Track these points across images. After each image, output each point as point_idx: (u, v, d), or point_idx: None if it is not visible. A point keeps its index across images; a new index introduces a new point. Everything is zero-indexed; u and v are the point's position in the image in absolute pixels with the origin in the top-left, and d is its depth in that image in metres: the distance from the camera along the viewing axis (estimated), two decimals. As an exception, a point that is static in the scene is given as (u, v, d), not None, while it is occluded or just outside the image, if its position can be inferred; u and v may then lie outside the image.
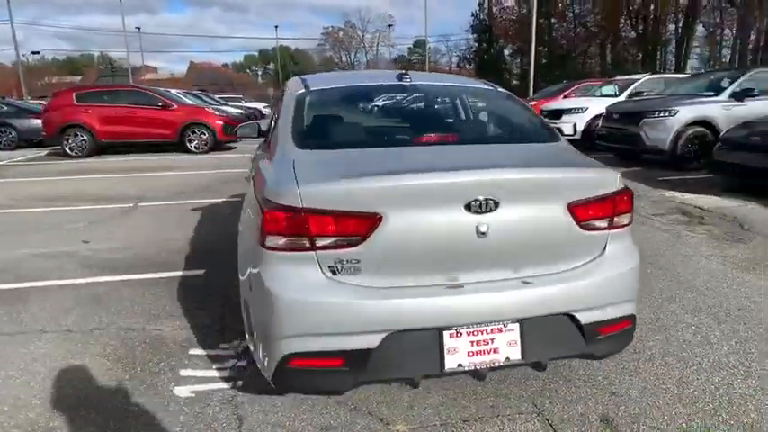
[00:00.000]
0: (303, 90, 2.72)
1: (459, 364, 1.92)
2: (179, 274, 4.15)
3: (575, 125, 11.38)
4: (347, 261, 1.86)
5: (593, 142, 9.91)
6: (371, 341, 1.85)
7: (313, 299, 1.85)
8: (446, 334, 1.90)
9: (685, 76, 12.36)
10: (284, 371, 1.92)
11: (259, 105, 28.02)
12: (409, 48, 78.47)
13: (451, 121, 2.90)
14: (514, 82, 45.82)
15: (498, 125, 2.71)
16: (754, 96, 8.10)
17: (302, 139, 2.33)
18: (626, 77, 13.45)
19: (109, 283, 3.97)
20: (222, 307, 3.47)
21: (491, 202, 1.87)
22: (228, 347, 2.94)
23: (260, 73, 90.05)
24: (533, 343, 1.96)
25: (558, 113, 11.72)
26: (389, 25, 68.34)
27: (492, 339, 1.94)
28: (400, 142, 2.39)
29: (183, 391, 2.52)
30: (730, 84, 8.42)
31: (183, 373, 2.70)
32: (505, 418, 2.27)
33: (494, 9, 47.11)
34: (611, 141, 9.40)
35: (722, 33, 36.37)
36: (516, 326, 1.95)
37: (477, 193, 1.86)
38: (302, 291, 1.86)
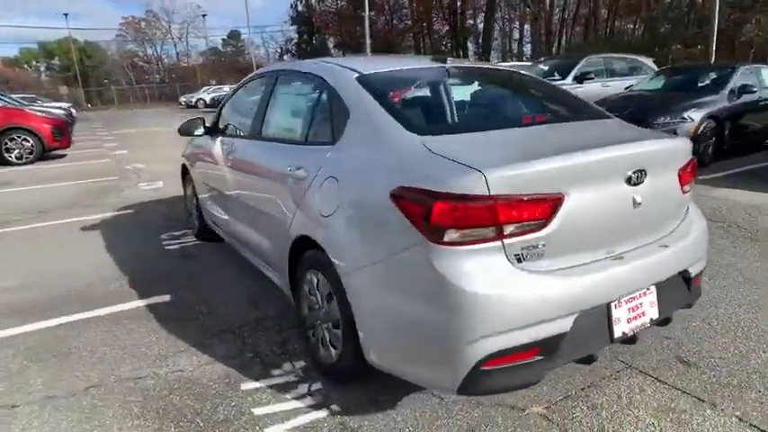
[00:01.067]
0: (359, 74, 2.44)
1: (623, 332, 1.98)
2: (138, 304, 3.43)
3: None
4: (532, 246, 1.77)
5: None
6: (565, 325, 1.80)
7: (505, 292, 1.72)
8: (612, 305, 1.94)
9: (530, 63, 13.86)
10: (475, 377, 1.75)
11: (64, 105, 23.95)
12: (223, 39, 74.66)
13: (529, 101, 2.89)
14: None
15: (561, 104, 2.78)
16: (591, 79, 9.62)
17: (413, 125, 2.11)
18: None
19: (52, 330, 3.10)
20: (232, 333, 2.98)
21: (643, 172, 1.96)
22: (283, 372, 2.56)
23: (42, 69, 76.98)
24: (664, 301, 2.11)
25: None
26: (204, 15, 63.89)
27: (641, 304, 2.04)
28: (510, 123, 2.32)
29: (279, 432, 2.13)
30: (571, 69, 9.84)
31: (259, 411, 2.27)
32: (610, 379, 2.41)
33: (312, 1, 47.35)
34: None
35: (513, 26, 42.11)
36: (654, 287, 2.08)
37: (635, 166, 1.94)
38: (493, 285, 1.72)
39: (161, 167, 8.89)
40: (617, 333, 1.96)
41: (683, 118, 6.76)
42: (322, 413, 2.24)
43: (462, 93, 2.81)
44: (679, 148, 2.22)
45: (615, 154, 1.91)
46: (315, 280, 2.41)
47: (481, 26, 40.02)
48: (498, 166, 1.73)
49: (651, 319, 2.08)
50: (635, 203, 1.96)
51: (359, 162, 2.14)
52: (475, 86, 2.92)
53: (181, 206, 5.44)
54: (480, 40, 39.41)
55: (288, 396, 2.37)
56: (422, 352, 1.87)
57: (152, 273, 3.98)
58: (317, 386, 2.43)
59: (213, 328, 3.05)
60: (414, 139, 2.01)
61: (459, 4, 37.80)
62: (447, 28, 40.64)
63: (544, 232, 1.78)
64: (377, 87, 2.35)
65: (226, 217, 3.66)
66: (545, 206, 1.76)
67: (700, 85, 7.97)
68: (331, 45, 49.15)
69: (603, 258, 1.95)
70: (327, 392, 2.37)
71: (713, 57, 13.82)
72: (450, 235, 1.71)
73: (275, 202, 2.72)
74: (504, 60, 36.61)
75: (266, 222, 2.88)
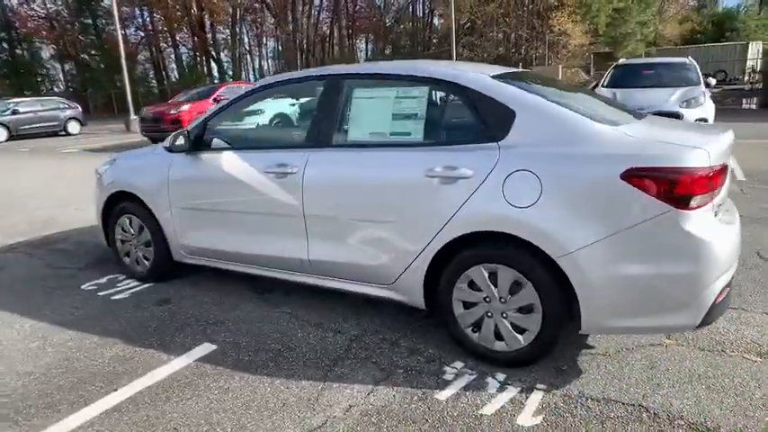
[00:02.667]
0: (496, 76, 2.61)
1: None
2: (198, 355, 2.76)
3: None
4: (717, 204, 2.32)
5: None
6: (735, 264, 2.40)
7: (723, 240, 2.22)
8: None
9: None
10: (710, 312, 2.22)
11: None
12: None
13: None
14: (58, 89, 40.07)
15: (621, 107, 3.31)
16: None
17: (596, 119, 2.42)
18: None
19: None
20: (372, 362, 2.74)
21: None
22: (459, 372, 2.54)
23: None
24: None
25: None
26: None
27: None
28: (638, 117, 2.76)
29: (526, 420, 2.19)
30: None
31: (486, 411, 2.26)
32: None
33: (13, 2, 39.05)
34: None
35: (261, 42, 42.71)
36: None
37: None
38: (718, 236, 2.20)
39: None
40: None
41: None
42: (537, 395, 2.36)
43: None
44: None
45: (732, 137, 2.60)
46: (484, 274, 2.49)
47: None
48: (708, 144, 2.23)
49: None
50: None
51: (556, 155, 2.34)
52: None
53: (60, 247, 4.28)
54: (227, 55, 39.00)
55: (490, 392, 2.40)
56: (662, 303, 2.23)
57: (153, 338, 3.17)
58: (503, 375, 2.51)
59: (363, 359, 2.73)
60: (611, 130, 2.35)
61: (207, 16, 36.43)
62: (195, 41, 38.70)
63: (719, 192, 2.34)
64: (529, 88, 2.58)
65: (253, 240, 3.21)
66: (724, 173, 2.33)
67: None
68: (46, 56, 41.44)
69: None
70: (520, 377, 2.49)
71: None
72: (694, 201, 2.13)
73: (404, 209, 2.63)
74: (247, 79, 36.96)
75: (380, 234, 2.74)
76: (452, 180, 2.50)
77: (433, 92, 2.76)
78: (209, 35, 39.03)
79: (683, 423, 2.14)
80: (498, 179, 2.40)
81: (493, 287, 2.49)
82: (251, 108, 3.57)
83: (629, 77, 9.13)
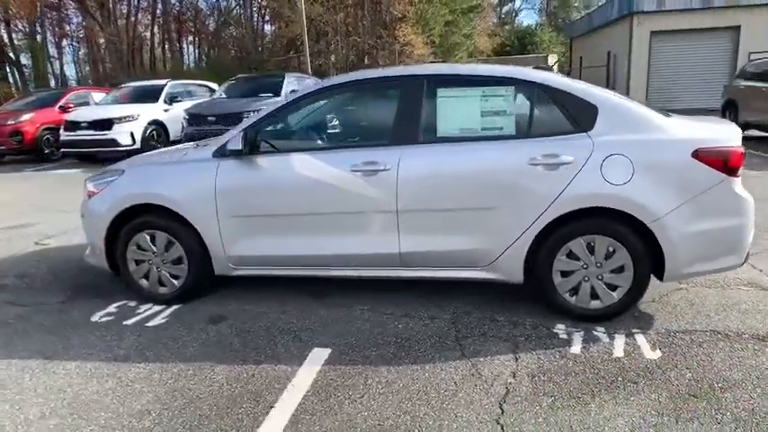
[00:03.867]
0: (562, 80, 3.07)
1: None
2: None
3: (132, 134, 10.77)
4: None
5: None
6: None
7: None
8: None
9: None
10: (748, 253, 2.98)
11: None
12: None
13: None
14: None
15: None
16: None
17: (657, 112, 3.02)
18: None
19: None
20: (499, 338, 2.96)
21: None
22: (567, 330, 2.94)
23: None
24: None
25: (106, 123, 10.63)
26: None
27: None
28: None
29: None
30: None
31: (618, 354, 2.71)
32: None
33: None
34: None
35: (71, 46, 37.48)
36: None
37: None
38: (751, 197, 2.96)
39: None
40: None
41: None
42: (640, 336, 2.89)
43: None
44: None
45: None
46: (583, 245, 2.95)
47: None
48: (735, 130, 2.98)
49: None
50: None
51: (640, 141, 2.88)
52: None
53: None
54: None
55: (605, 341, 2.86)
56: (719, 250, 2.91)
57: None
58: (602, 327, 2.98)
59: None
60: (668, 120, 2.98)
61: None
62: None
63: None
64: (596, 88, 3.10)
65: (332, 241, 3.20)
66: None
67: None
68: None
69: None
70: (615, 327, 2.99)
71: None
72: (739, 171, 2.85)
73: (507, 194, 2.95)
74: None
75: (481, 220, 3.00)
76: (555, 166, 2.90)
77: (520, 92, 3.13)
78: (5, 34, 33.05)
79: (747, 336, 2.85)
80: (596, 163, 2.87)
81: (590, 255, 2.96)
82: (309, 108, 3.50)
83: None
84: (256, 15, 37.47)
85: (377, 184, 3.08)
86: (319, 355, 2.82)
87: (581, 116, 2.98)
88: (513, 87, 3.10)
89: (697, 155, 2.83)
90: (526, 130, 3.10)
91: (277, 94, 10.63)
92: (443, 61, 29.62)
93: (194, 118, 10.16)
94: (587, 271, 2.99)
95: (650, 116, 2.99)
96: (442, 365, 2.67)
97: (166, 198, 3.35)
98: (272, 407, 2.39)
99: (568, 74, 32.79)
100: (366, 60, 26.26)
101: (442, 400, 2.39)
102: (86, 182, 3.66)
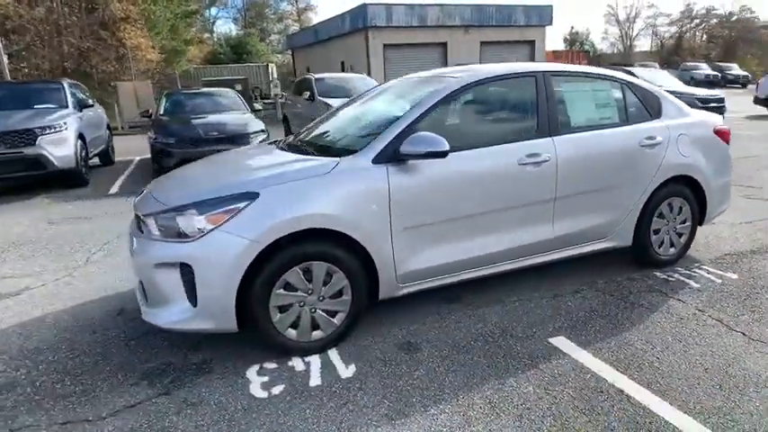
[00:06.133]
0: (631, 76, 3.79)
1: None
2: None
3: None
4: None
5: None
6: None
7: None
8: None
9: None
10: None
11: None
12: None
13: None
14: None
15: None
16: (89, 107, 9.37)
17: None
18: None
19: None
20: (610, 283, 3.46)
21: None
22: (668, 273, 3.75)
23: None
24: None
25: None
26: None
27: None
28: None
29: None
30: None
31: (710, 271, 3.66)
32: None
33: None
34: None
35: None
36: None
37: None
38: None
39: None
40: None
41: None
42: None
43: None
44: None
45: None
46: (667, 205, 3.80)
47: None
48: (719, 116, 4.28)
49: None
50: None
51: (685, 123, 3.83)
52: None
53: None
54: None
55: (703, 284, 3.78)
56: (724, 198, 4.14)
57: None
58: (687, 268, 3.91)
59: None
60: (688, 107, 4.06)
61: None
62: None
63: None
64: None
65: (496, 238, 3.21)
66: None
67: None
68: None
69: None
70: (677, 269, 3.94)
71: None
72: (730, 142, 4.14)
73: (630, 170, 3.55)
74: None
75: (613, 196, 3.52)
76: (653, 146, 3.64)
77: (614, 87, 3.72)
78: None
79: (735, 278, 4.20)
80: (674, 141, 3.73)
81: (671, 213, 3.83)
82: (455, 106, 3.25)
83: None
84: None
85: (541, 174, 3.25)
86: (567, 344, 2.88)
87: (653, 106, 3.80)
88: (608, 83, 3.71)
89: (715, 131, 3.99)
90: (625, 118, 3.74)
91: (62, 104, 8.53)
92: (166, 68, 27.31)
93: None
94: (668, 226, 3.86)
95: (682, 104, 4.03)
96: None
97: (333, 218, 2.73)
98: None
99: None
100: (83, 65, 22.17)
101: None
102: (165, 218, 2.64)
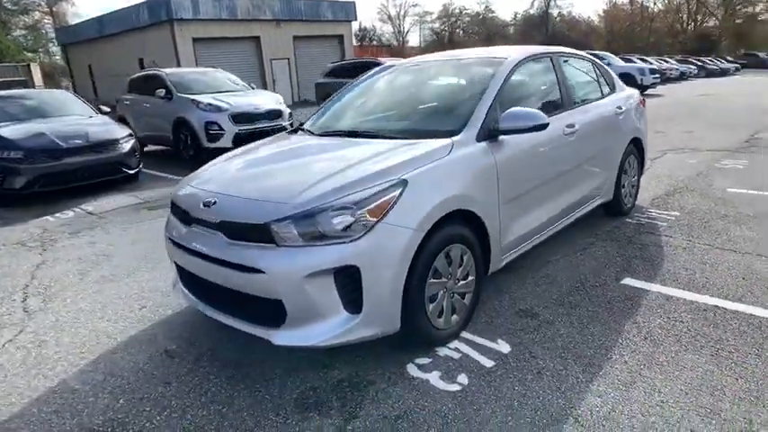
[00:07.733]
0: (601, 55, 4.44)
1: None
2: None
3: None
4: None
5: None
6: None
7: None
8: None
9: None
10: None
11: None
12: None
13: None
14: None
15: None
16: None
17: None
18: None
19: None
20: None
21: None
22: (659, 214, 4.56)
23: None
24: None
25: None
26: None
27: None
28: None
29: None
30: None
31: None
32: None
33: None
34: None
35: None
36: None
37: None
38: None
39: None
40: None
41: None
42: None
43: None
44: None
45: None
46: (630, 160, 4.61)
47: None
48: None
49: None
50: None
51: (630, 94, 4.66)
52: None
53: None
54: None
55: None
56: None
57: None
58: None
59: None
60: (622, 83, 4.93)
61: None
62: None
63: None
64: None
65: (554, 203, 3.55)
66: None
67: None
68: None
69: None
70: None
71: None
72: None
73: (613, 135, 4.20)
74: None
75: (606, 155, 4.13)
76: (621, 114, 4.37)
77: (594, 66, 4.34)
78: None
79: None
80: (630, 110, 4.53)
81: (633, 169, 4.66)
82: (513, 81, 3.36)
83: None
84: None
85: (574, 142, 3.66)
86: (638, 282, 3.35)
87: (612, 82, 4.55)
88: (590, 63, 4.31)
89: (639, 103, 4.95)
90: (601, 92, 4.36)
91: None
92: None
93: None
94: (630, 180, 4.68)
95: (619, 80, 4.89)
96: (669, 252, 3.81)
97: (468, 199, 2.70)
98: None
99: (74, 86, 29.29)
100: None
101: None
102: (309, 220, 2.31)
